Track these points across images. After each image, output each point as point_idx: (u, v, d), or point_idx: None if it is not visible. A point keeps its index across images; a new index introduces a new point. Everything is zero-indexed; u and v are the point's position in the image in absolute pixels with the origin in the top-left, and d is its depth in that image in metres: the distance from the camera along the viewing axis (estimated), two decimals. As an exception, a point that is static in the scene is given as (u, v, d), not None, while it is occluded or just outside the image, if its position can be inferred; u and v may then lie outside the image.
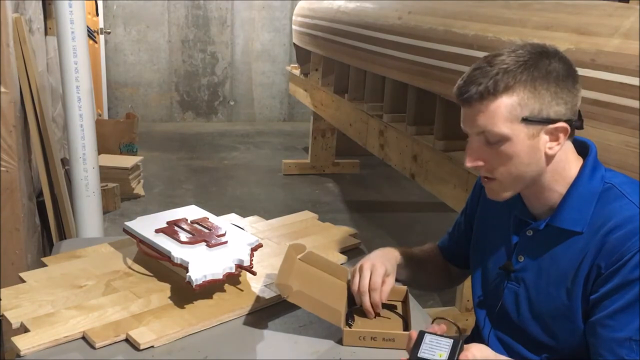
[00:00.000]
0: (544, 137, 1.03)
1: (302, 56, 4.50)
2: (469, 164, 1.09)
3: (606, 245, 1.01)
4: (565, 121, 1.02)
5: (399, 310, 1.29)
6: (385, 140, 3.07)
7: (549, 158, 1.05)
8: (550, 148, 1.03)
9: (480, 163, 1.07)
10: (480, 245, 1.27)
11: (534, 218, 1.13)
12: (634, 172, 1.45)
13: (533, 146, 1.03)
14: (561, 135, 1.03)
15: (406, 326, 1.22)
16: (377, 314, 1.24)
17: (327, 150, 5.05)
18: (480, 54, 2.06)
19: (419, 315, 1.28)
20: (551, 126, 1.02)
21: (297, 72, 4.77)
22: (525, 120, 1.01)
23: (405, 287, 1.33)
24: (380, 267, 1.23)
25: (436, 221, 4.06)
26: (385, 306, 1.27)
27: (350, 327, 1.18)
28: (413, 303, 1.33)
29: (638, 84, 1.47)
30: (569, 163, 1.08)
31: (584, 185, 1.06)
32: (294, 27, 4.45)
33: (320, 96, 4.19)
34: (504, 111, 1.00)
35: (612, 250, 1.00)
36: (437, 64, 2.35)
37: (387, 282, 1.23)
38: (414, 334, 0.98)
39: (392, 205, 4.49)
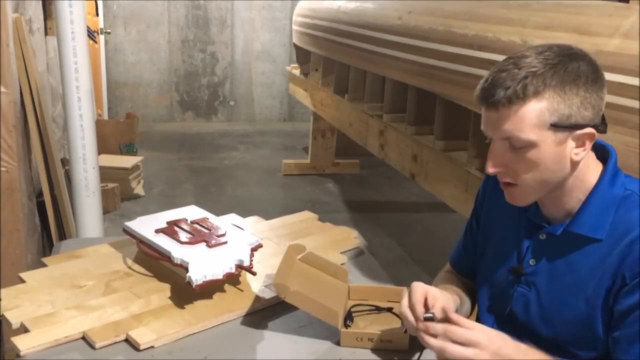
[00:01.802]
0: (571, 143, 1.00)
1: (302, 56, 4.50)
2: (490, 169, 1.04)
3: (631, 255, 0.99)
4: (592, 126, 0.99)
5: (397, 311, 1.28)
6: (385, 140, 3.07)
7: (574, 164, 1.02)
8: (576, 154, 1.00)
9: (503, 169, 1.03)
10: (487, 244, 1.24)
11: (548, 221, 1.11)
12: (634, 172, 1.45)
13: (559, 153, 0.99)
14: (587, 141, 1.00)
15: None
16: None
17: (327, 150, 5.05)
18: (480, 54, 2.06)
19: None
20: (578, 132, 0.99)
21: (297, 72, 4.77)
22: (554, 127, 0.97)
23: (404, 288, 1.32)
24: (418, 287, 1.09)
25: (436, 221, 4.06)
26: (383, 307, 1.27)
27: (348, 328, 1.18)
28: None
29: (638, 84, 1.46)
30: (589, 168, 1.05)
31: (605, 192, 1.04)
32: (294, 27, 4.45)
33: (320, 96, 4.19)
34: (532, 117, 0.97)
35: (637, 260, 0.98)
36: (437, 64, 2.35)
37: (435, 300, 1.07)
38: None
39: (392, 205, 4.49)
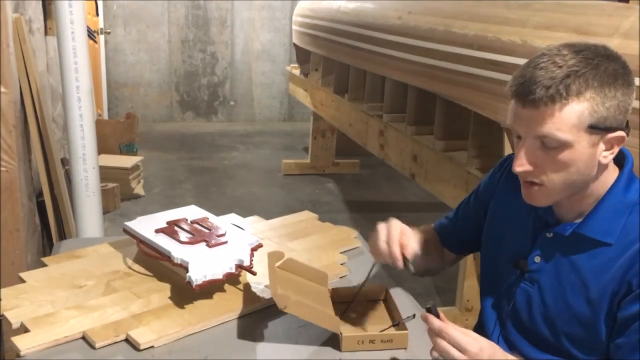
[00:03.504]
0: (601, 146, 0.99)
1: (302, 56, 4.50)
2: (519, 168, 1.02)
3: (639, 263, 0.98)
4: (622, 130, 0.99)
5: (383, 309, 1.28)
6: (385, 140, 3.07)
7: (601, 167, 1.01)
8: (604, 157, 1.00)
9: (531, 168, 1.01)
10: (492, 237, 1.24)
11: (557, 220, 1.10)
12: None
13: (592, 154, 0.98)
14: (616, 145, 1.00)
15: (396, 323, 1.22)
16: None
17: (327, 150, 5.05)
18: (480, 54, 2.07)
19: (419, 315, 1.28)
20: (611, 135, 0.98)
21: (297, 72, 4.77)
22: (591, 128, 0.96)
23: (384, 285, 1.32)
24: (396, 224, 1.17)
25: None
26: (369, 305, 1.27)
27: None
28: (412, 303, 1.33)
29: (638, 83, 1.46)
30: (607, 172, 1.04)
31: (618, 197, 1.03)
32: (294, 27, 4.45)
33: (320, 96, 4.20)
34: (573, 117, 0.95)
35: None
36: (437, 64, 2.35)
37: (409, 240, 1.16)
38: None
39: (392, 205, 4.49)
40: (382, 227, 1.18)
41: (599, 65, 0.95)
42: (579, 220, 1.06)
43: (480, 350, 0.96)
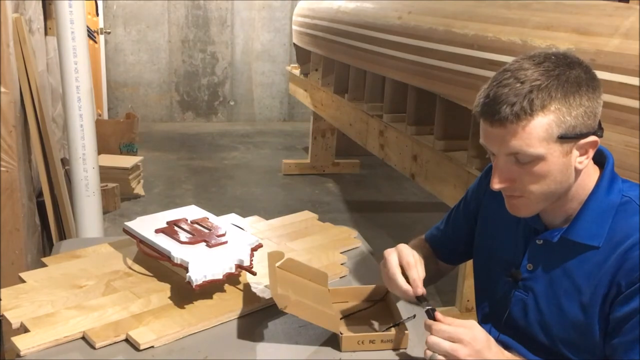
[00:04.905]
0: (575, 153, 0.99)
1: (302, 56, 4.50)
2: (496, 186, 1.03)
3: (627, 263, 0.98)
4: (594, 134, 0.99)
5: (383, 310, 1.28)
6: (385, 140, 3.07)
7: (578, 173, 1.02)
8: (580, 163, 1.00)
9: (508, 184, 1.02)
10: (484, 244, 1.24)
11: (545, 226, 1.10)
12: (634, 172, 1.45)
13: (566, 163, 0.99)
14: (590, 149, 1.00)
15: (397, 324, 1.22)
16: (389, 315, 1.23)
17: (327, 150, 5.05)
18: (480, 54, 2.07)
19: (419, 316, 1.28)
20: (583, 141, 0.98)
21: (297, 72, 4.77)
22: (561, 139, 0.96)
23: (384, 286, 1.32)
24: (407, 249, 1.17)
25: (436, 221, 4.04)
26: (369, 305, 1.27)
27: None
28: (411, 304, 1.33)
29: (638, 84, 1.47)
30: (588, 175, 1.05)
31: (602, 199, 1.04)
32: (294, 27, 4.46)
33: (320, 96, 4.20)
34: (541, 131, 0.95)
35: (633, 268, 0.97)
36: (437, 64, 2.35)
37: (419, 264, 1.16)
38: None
39: (392, 205, 4.49)
40: (392, 256, 1.16)
41: (560, 75, 0.95)
42: (566, 226, 1.07)
43: (472, 340, 0.97)
